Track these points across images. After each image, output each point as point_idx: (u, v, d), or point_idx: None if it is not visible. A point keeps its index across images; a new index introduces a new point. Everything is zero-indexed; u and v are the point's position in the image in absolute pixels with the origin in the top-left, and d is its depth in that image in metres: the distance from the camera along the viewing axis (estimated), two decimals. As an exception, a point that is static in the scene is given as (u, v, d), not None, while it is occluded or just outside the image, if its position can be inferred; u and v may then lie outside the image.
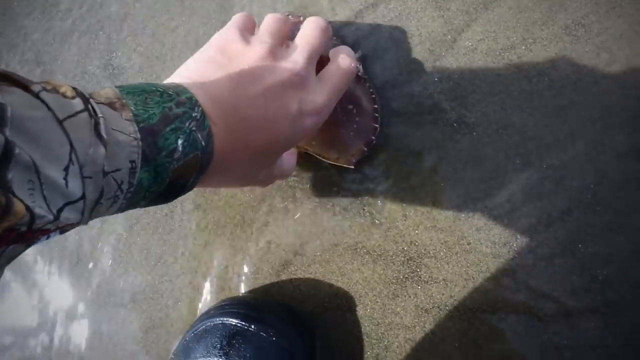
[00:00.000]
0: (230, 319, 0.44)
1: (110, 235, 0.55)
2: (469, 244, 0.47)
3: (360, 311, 0.48)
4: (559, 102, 0.46)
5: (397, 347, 0.48)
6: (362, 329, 0.48)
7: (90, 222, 0.54)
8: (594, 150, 0.46)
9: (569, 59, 0.46)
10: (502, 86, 0.47)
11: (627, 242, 0.46)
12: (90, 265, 0.56)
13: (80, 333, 0.56)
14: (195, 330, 0.45)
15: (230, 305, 0.46)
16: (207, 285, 0.52)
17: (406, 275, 0.48)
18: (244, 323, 0.44)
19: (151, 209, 0.54)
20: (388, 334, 0.48)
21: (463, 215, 0.47)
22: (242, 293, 0.50)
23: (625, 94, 0.46)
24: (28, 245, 0.22)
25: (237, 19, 0.38)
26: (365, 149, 0.47)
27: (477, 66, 0.48)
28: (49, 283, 0.57)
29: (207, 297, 0.52)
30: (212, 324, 0.45)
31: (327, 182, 0.49)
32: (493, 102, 0.47)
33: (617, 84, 0.46)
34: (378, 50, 0.50)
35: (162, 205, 0.53)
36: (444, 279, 0.47)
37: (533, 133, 0.47)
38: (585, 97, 0.46)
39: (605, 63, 0.46)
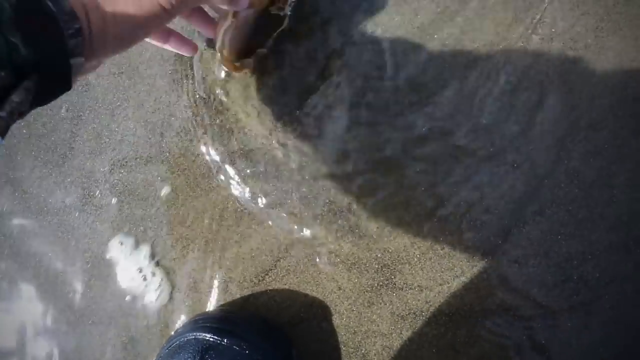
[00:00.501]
0: (203, 334, 0.44)
1: (85, 253, 0.55)
2: (442, 248, 0.47)
3: (336, 320, 0.48)
4: (528, 101, 0.46)
5: (375, 355, 0.47)
6: (339, 338, 0.48)
7: (62, 238, 0.54)
8: (563, 149, 0.46)
9: (535, 58, 0.46)
10: (470, 88, 0.47)
11: (600, 240, 0.45)
12: (67, 284, 0.55)
13: (59, 351, 0.55)
14: (170, 346, 0.45)
15: (204, 320, 0.46)
16: (181, 300, 0.51)
17: (381, 283, 0.47)
18: (216, 337, 0.44)
19: (123, 226, 0.54)
20: (365, 342, 0.48)
21: (435, 219, 0.47)
22: (217, 307, 0.50)
23: (592, 90, 0.45)
24: None
25: None
26: None
27: (444, 70, 0.47)
28: (26, 304, 0.57)
29: (182, 312, 0.51)
30: (185, 339, 0.44)
31: (300, 191, 0.49)
32: (461, 104, 0.47)
33: (584, 81, 0.46)
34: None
35: (135, 221, 0.53)
36: (418, 285, 0.47)
37: (502, 134, 0.46)
38: (553, 96, 0.46)
39: (572, 60, 0.46)
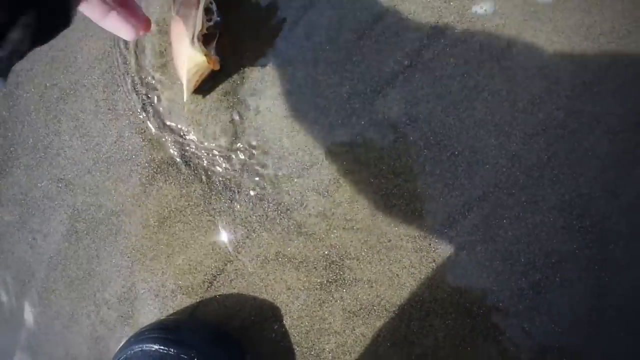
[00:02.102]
0: (150, 345, 0.43)
1: (28, 271, 0.53)
2: (389, 240, 0.46)
3: (288, 321, 0.47)
4: (465, 87, 0.46)
5: (329, 353, 0.47)
6: (292, 339, 0.47)
7: (14, 264, 0.52)
8: (503, 133, 0.46)
9: (469, 42, 0.46)
10: (405, 76, 0.46)
11: (545, 221, 0.45)
12: (13, 305, 0.54)
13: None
14: (117, 361, 0.44)
15: (150, 331, 0.45)
16: (128, 312, 0.50)
17: (330, 280, 0.47)
18: (163, 348, 0.43)
19: (71, 240, 0.52)
20: (319, 341, 0.47)
21: (380, 212, 0.46)
22: (164, 316, 0.49)
23: (527, 73, 0.45)
24: None
25: None
26: None
27: (383, 56, 0.47)
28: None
29: (129, 324, 0.50)
30: (132, 352, 0.43)
31: (241, 193, 0.48)
32: (399, 93, 0.47)
33: (519, 64, 0.46)
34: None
35: (81, 234, 0.52)
36: (368, 280, 0.47)
37: (440, 122, 0.46)
38: (490, 80, 0.46)
39: (506, 44, 0.46)
